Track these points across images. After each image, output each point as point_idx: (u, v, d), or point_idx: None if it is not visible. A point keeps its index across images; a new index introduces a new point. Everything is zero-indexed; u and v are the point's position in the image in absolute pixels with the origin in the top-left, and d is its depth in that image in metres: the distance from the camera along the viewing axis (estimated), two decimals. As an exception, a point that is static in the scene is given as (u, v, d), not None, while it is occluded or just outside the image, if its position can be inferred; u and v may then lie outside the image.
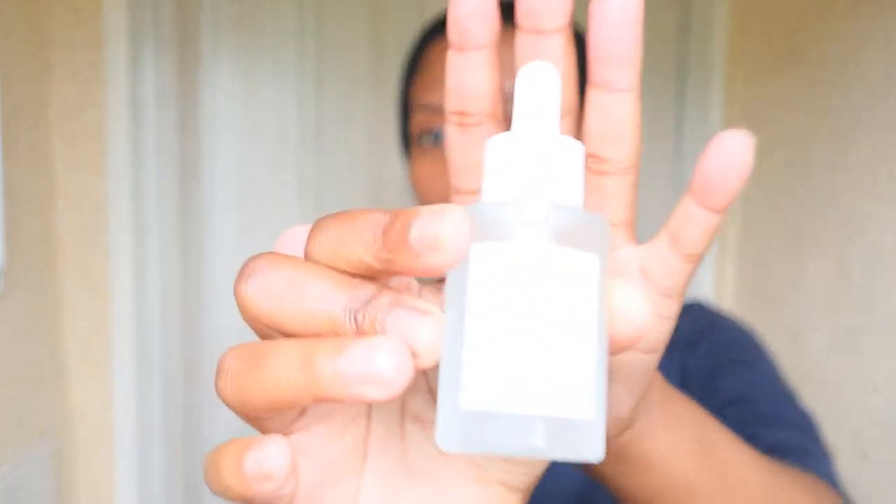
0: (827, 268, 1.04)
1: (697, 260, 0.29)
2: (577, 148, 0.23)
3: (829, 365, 1.03)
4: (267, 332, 0.23)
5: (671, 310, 0.30)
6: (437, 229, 0.20)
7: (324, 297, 0.22)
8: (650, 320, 0.23)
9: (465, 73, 0.27)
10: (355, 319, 0.21)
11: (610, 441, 0.34)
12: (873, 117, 0.95)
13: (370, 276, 0.22)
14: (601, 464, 0.35)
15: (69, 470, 1.09)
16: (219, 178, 1.25)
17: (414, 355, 0.20)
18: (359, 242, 0.22)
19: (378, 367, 0.20)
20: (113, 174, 1.06)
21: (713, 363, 0.67)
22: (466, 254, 0.21)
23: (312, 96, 1.26)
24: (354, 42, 1.26)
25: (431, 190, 0.67)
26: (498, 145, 0.24)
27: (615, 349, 0.23)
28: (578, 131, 0.29)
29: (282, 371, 0.21)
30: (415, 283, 0.26)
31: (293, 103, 1.26)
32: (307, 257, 0.23)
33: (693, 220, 0.28)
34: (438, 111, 0.66)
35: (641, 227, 0.47)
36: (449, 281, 0.23)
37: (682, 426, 0.37)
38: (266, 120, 1.25)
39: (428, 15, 1.16)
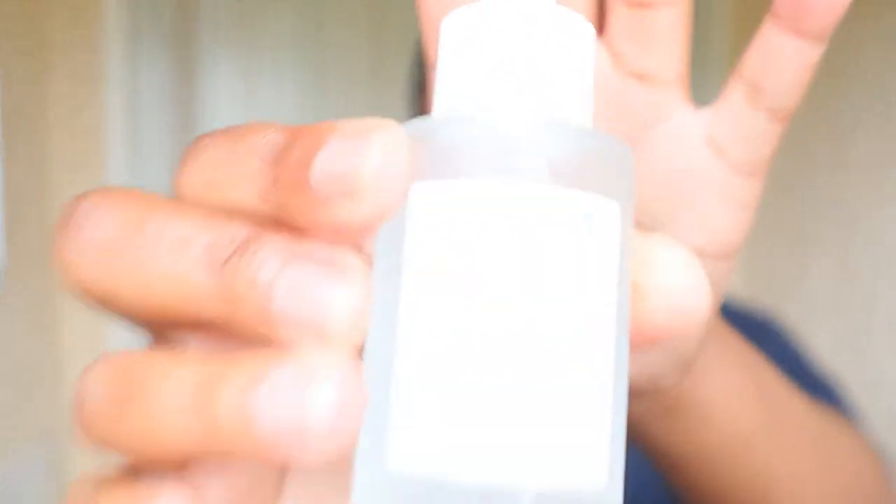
0: (830, 268, 1.04)
1: (787, 118, 0.21)
2: (583, 28, 0.15)
3: (832, 365, 1.03)
4: (113, 313, 0.15)
5: (752, 194, 0.22)
6: (353, 162, 0.13)
7: (179, 248, 0.14)
8: (707, 303, 0.15)
9: None
10: (221, 276, 0.13)
11: (665, 393, 0.25)
12: (874, 117, 0.95)
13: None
14: (645, 425, 0.27)
15: (67, 470, 1.09)
16: (219, 178, 1.25)
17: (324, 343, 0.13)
18: (243, 173, 0.14)
19: (315, 411, 0.12)
20: (113, 174, 1.06)
21: None
22: (403, 203, 0.13)
23: (312, 96, 1.26)
24: (354, 42, 1.26)
25: None
26: (458, 23, 0.15)
27: (642, 344, 0.16)
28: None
29: (167, 412, 0.13)
30: None
31: (293, 103, 1.26)
32: (175, 195, 0.16)
33: (781, 55, 0.20)
34: None
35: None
36: (378, 245, 0.15)
37: (740, 366, 0.29)
38: (266, 120, 1.25)
39: (428, 15, 1.16)
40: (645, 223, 0.23)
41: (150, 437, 0.14)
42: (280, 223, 0.14)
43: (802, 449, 0.33)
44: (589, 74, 0.15)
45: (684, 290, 0.15)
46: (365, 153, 0.13)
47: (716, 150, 0.21)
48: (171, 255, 0.14)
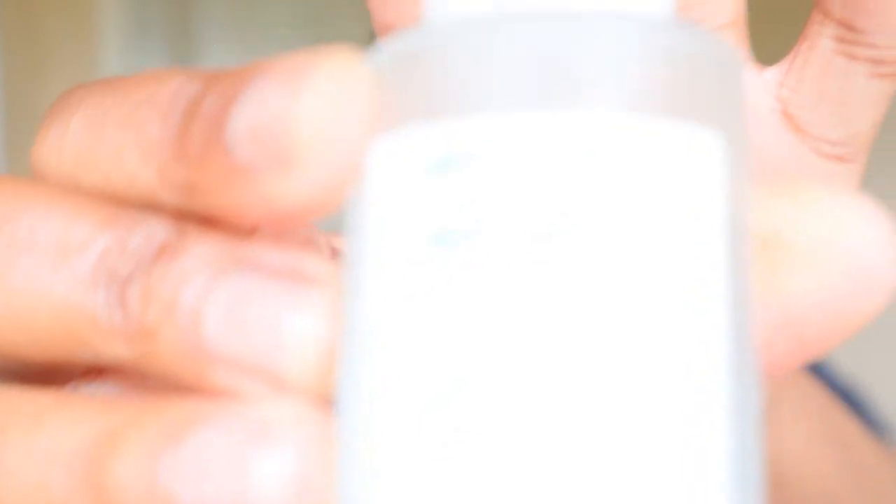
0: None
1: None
2: None
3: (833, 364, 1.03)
4: None
5: (846, 185, 0.16)
6: (282, 111, 0.09)
7: (58, 258, 0.10)
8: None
9: None
10: (123, 297, 0.09)
11: None
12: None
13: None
14: None
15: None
16: (218, 178, 1.25)
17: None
18: (136, 139, 0.10)
19: (260, 488, 0.08)
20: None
21: None
22: (363, 172, 0.09)
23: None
24: (352, 39, 1.26)
25: None
26: None
27: (796, 358, 0.10)
28: None
29: (36, 479, 0.09)
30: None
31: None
32: (35, 173, 0.11)
33: None
34: None
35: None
36: (347, 236, 0.10)
37: (812, 414, 0.23)
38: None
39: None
40: None
41: None
42: (200, 217, 0.10)
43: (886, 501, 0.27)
44: None
45: (874, 246, 0.09)
46: (298, 97, 0.08)
47: (791, 122, 0.15)
48: (42, 268, 0.09)
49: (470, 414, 0.08)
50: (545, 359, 0.08)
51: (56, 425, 0.09)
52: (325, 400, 0.09)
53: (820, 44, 0.15)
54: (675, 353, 0.08)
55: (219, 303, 0.09)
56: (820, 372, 0.47)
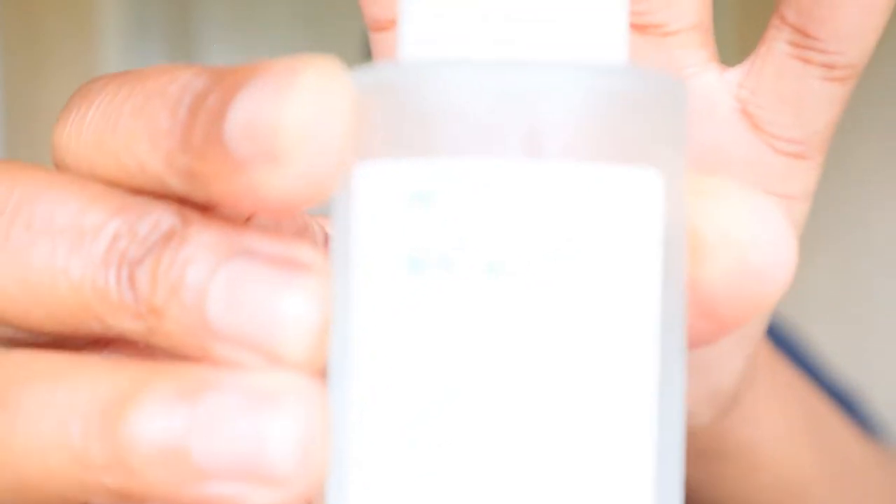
0: (828, 268, 1.04)
1: (853, 76, 0.16)
2: None
3: (831, 366, 1.03)
4: None
5: (803, 183, 0.17)
6: (273, 109, 0.10)
7: (73, 241, 0.11)
8: (793, 262, 0.11)
9: None
10: (134, 277, 0.10)
11: (704, 431, 0.20)
12: (874, 117, 0.95)
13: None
14: (688, 468, 0.23)
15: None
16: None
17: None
18: (145, 130, 0.11)
19: (275, 444, 0.09)
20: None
21: None
22: (346, 175, 0.10)
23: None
24: (351, 39, 1.26)
25: None
26: None
27: (707, 336, 0.12)
28: None
29: (50, 437, 0.10)
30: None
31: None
32: (55, 164, 0.12)
33: None
34: None
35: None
36: (332, 233, 0.11)
37: (791, 401, 0.24)
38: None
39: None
40: None
41: (25, 475, 0.10)
42: (204, 205, 0.11)
43: (865, 499, 0.27)
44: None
45: (764, 242, 0.11)
46: (288, 99, 0.09)
47: (750, 120, 0.16)
48: (59, 248, 0.10)
49: (438, 417, 0.10)
50: (498, 376, 0.10)
51: (74, 381, 0.10)
52: (317, 374, 0.10)
53: (777, 48, 0.16)
54: (613, 364, 0.10)
55: (220, 284, 0.10)
56: (816, 375, 0.47)
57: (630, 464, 0.10)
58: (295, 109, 0.10)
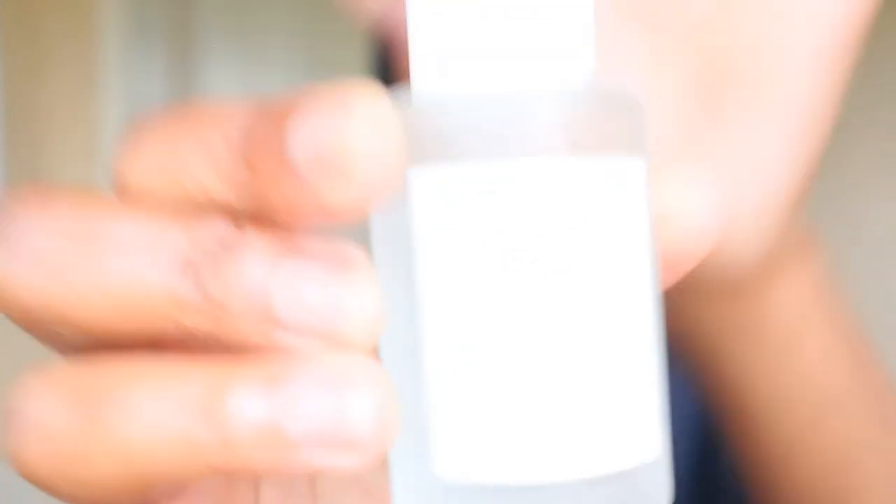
0: (828, 267, 1.04)
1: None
2: None
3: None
4: (57, 336, 0.14)
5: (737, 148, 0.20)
6: (336, 133, 0.11)
7: (143, 252, 0.12)
8: (709, 225, 0.14)
9: None
10: (201, 282, 0.12)
11: (724, 289, 0.22)
12: (874, 117, 0.95)
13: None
14: (723, 352, 0.24)
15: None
16: (218, 178, 1.25)
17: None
18: (202, 155, 0.12)
19: (356, 416, 0.11)
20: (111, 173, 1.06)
21: None
22: (399, 183, 0.12)
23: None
24: (352, 40, 1.26)
25: None
26: None
27: (671, 275, 0.15)
28: None
29: (161, 428, 0.12)
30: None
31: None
32: (118, 191, 0.14)
33: None
34: None
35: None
36: (375, 237, 0.13)
37: (835, 319, 0.26)
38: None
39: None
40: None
41: (136, 462, 0.12)
42: (256, 216, 0.12)
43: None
44: (589, 13, 0.14)
45: (681, 212, 0.14)
46: (348, 122, 0.11)
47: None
48: (134, 262, 0.12)
49: (492, 352, 0.12)
50: (544, 316, 0.13)
51: (170, 378, 0.12)
52: (373, 355, 0.12)
53: None
54: (622, 312, 0.13)
55: (280, 280, 0.12)
56: None
57: (642, 370, 0.13)
58: (356, 130, 0.11)
